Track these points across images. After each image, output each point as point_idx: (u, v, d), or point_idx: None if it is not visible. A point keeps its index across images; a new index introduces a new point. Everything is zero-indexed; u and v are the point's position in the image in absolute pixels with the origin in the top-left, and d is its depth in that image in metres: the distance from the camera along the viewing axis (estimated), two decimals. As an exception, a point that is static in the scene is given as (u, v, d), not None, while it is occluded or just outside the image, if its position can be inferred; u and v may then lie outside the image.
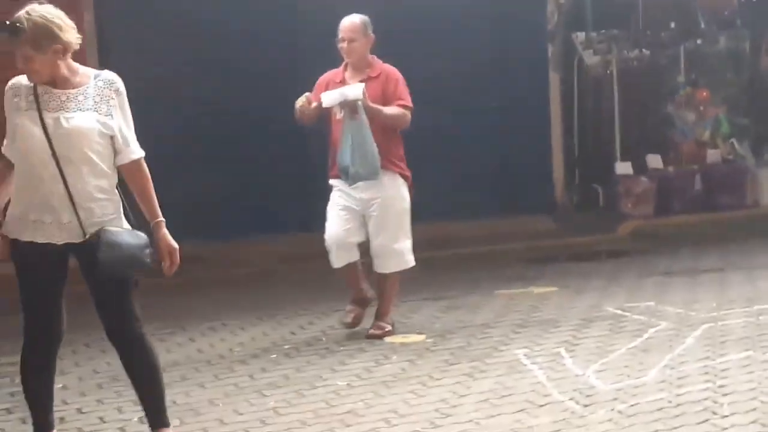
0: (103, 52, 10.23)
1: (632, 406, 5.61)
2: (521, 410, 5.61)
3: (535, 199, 12.62)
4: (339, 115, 7.19)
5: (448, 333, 7.48)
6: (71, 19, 4.75)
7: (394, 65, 7.50)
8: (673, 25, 13.17)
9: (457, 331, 7.54)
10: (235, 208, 10.90)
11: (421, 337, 7.40)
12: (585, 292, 8.76)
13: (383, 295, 7.53)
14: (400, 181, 7.36)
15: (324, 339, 7.46)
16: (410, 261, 7.44)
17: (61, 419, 5.66)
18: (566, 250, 11.15)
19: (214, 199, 10.99)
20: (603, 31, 13.02)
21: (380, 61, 7.45)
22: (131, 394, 5.98)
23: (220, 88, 11.04)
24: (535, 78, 12.72)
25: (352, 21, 7.38)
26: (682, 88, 13.30)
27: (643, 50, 13.02)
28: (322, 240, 7.46)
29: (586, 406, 5.65)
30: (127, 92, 4.82)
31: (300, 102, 7.22)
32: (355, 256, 7.46)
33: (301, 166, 11.01)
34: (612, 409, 5.56)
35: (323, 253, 7.49)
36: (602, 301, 8.33)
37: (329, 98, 7.18)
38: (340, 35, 7.38)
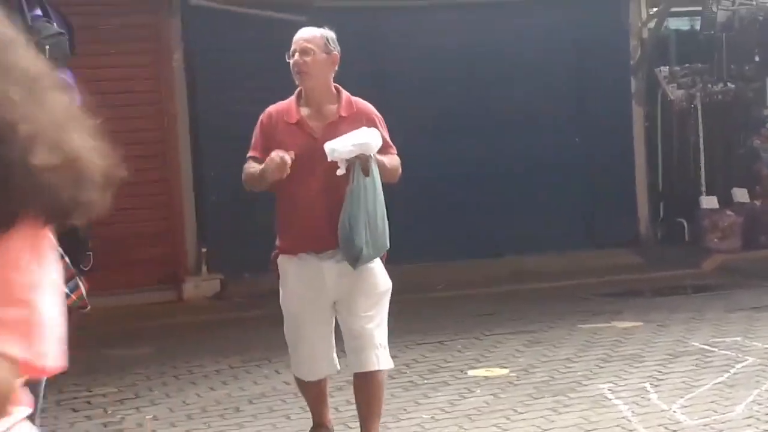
0: (190, 89, 10.42)
1: (719, 441, 5.59)
2: (606, 445, 5.62)
3: (620, 232, 12.57)
4: (341, 170, 5.19)
5: (531, 367, 7.48)
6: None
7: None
8: (757, 58, 13.05)
9: (541, 365, 7.54)
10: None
11: (505, 370, 7.42)
12: (670, 326, 8.69)
13: (369, 407, 5.48)
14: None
15: (407, 372, 7.49)
16: (389, 360, 5.48)
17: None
18: (651, 284, 11.06)
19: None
20: (687, 65, 13.00)
21: (348, 93, 5.46)
22: (219, 425, 6.12)
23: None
24: (618, 112, 12.70)
25: (309, 30, 5.44)
26: (767, 121, 13.17)
27: (728, 84, 12.93)
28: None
29: (671, 441, 5.64)
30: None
31: (273, 165, 5.15)
32: (333, 368, 5.63)
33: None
34: (698, 445, 5.55)
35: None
36: (688, 336, 8.26)
37: (339, 149, 5.14)
38: (292, 47, 5.38)
